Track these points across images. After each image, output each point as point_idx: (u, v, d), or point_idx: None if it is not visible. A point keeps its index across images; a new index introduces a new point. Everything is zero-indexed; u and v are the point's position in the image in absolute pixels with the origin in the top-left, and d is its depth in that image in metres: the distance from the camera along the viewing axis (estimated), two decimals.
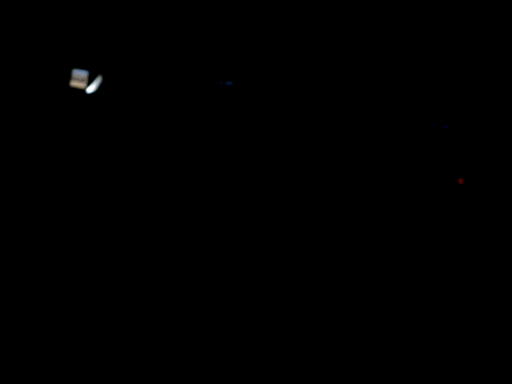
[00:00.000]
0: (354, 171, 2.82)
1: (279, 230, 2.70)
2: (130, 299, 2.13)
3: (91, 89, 2.68)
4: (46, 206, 2.50)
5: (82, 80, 2.66)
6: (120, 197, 2.63)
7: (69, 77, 2.65)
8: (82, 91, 2.67)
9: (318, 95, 2.82)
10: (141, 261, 2.39)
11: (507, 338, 2.38)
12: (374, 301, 2.48)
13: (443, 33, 2.71)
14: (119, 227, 2.53)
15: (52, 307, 1.94)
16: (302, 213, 2.75)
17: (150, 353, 1.82)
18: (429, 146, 2.82)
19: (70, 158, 2.63)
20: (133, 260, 2.39)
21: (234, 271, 2.47)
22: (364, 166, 2.82)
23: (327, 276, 2.55)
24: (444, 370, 2.14)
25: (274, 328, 2.14)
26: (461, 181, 2.73)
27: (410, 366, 2.12)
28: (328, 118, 2.83)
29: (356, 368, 2.02)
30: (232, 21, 2.74)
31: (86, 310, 1.98)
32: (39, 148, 2.59)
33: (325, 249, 2.67)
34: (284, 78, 2.81)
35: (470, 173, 2.77)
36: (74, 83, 2.65)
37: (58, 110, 2.64)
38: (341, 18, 2.73)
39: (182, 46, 2.75)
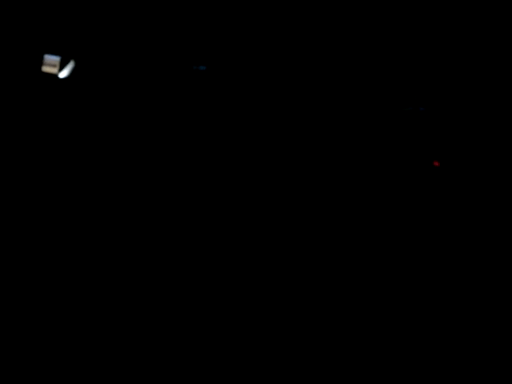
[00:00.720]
0: (331, 156, 2.79)
1: (258, 216, 2.68)
2: (129, 299, 2.12)
3: (63, 74, 2.68)
4: (14, 199, 2.50)
5: (54, 65, 2.66)
6: (92, 185, 2.63)
7: (41, 62, 2.66)
8: (55, 76, 2.67)
9: (292, 79, 2.80)
10: (120, 260, 2.38)
11: (495, 330, 2.34)
12: (360, 286, 2.45)
13: (416, 18, 2.68)
14: (92, 218, 2.52)
15: (52, 307, 1.94)
16: (281, 194, 2.73)
17: (150, 353, 1.81)
18: (405, 128, 2.79)
19: (42, 146, 2.63)
20: (111, 259, 2.38)
21: (223, 270, 2.46)
22: (339, 151, 2.79)
23: (316, 259, 2.53)
24: (442, 365, 2.11)
25: (273, 328, 2.13)
26: (437, 163, 2.69)
27: (408, 362, 2.10)
28: (303, 102, 2.81)
29: (356, 368, 2.00)
30: (205, 4, 2.73)
31: (86, 309, 1.98)
32: (11, 135, 2.60)
33: (308, 229, 2.65)
34: (258, 62, 2.80)
35: (446, 155, 2.73)
36: (46, 68, 2.66)
37: (30, 96, 2.64)
38: (315, 1, 2.71)
39: (154, 31, 2.74)
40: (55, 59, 2.66)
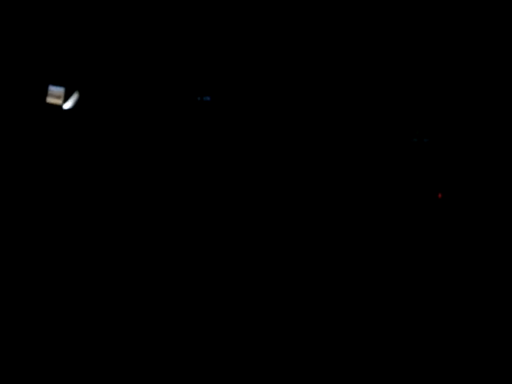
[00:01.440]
0: (338, 186, 2.80)
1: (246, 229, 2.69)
2: (129, 299, 2.12)
3: (68, 105, 2.67)
4: (13, 221, 2.50)
5: (58, 96, 2.65)
6: (94, 212, 2.62)
7: (45, 93, 2.64)
8: (59, 107, 2.66)
9: (295, 111, 2.80)
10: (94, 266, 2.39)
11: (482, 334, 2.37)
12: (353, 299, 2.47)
13: (419, 54, 2.68)
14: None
15: (52, 307, 1.94)
16: (291, 223, 2.74)
17: (150, 353, 1.81)
18: (409, 159, 2.80)
19: (46, 174, 2.63)
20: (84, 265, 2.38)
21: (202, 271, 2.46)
22: (346, 180, 2.80)
23: (313, 267, 2.54)
24: (440, 366, 2.13)
25: (273, 328, 2.14)
26: (440, 195, 2.71)
27: (407, 363, 2.11)
28: (307, 132, 2.81)
29: (356, 368, 2.01)
30: (208, 37, 2.72)
31: (86, 310, 1.98)
32: (17, 164, 2.59)
33: (304, 247, 2.66)
34: (261, 93, 2.79)
35: (449, 186, 2.74)
36: (50, 99, 2.65)
37: (35, 127, 2.63)
38: (316, 36, 2.70)
39: (159, 63, 2.73)
40: (60, 90, 2.65)
